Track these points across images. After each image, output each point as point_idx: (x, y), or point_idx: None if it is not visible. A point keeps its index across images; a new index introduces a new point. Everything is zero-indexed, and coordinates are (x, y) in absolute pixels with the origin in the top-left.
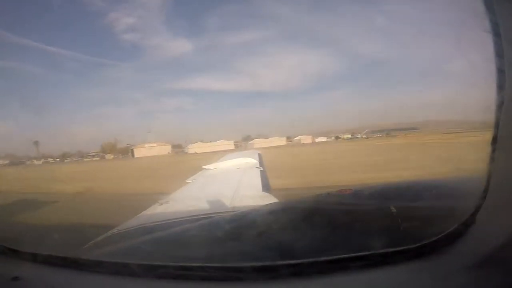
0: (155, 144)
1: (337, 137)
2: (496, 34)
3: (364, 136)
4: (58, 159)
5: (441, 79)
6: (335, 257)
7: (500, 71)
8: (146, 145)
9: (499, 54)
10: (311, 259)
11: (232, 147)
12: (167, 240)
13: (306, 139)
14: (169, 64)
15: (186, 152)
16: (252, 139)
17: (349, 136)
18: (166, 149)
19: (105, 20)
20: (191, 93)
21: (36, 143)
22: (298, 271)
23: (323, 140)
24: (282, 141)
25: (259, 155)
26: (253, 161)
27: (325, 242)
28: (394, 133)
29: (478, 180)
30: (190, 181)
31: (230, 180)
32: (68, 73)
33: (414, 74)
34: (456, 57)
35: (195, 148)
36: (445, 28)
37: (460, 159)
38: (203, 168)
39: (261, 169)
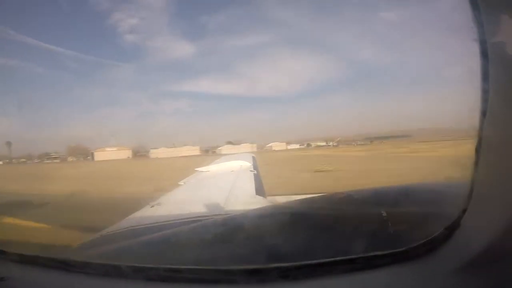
0: (115, 148)
1: (308, 145)
2: (483, 42)
3: (335, 144)
4: (23, 160)
5: (429, 87)
6: (323, 260)
7: (485, 78)
8: (107, 149)
9: (485, 61)
10: (300, 263)
11: (198, 152)
12: (157, 242)
13: (278, 146)
14: (164, 66)
15: (148, 157)
16: (220, 146)
17: (322, 143)
18: (127, 153)
19: (107, 20)
20: (184, 96)
21: (8, 143)
22: (287, 274)
23: (295, 147)
24: (252, 148)
25: (253, 158)
26: (247, 164)
27: (317, 245)
28: (378, 141)
29: (465, 185)
30: (182, 183)
31: (223, 183)
32: (63, 72)
33: (406, 81)
34: (446, 65)
35: (158, 153)
36: (434, 37)
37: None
38: (196, 170)
39: (255, 172)
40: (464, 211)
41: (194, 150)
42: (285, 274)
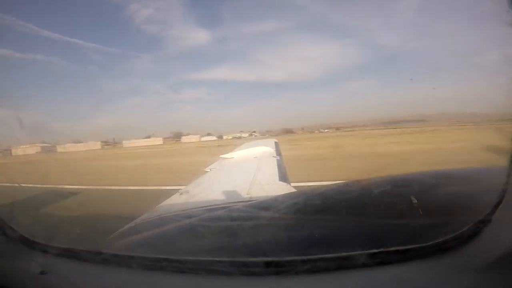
0: (28, 145)
1: (220, 137)
2: None
3: (252, 135)
4: None
5: (455, 74)
6: (344, 254)
7: None
8: (21, 146)
9: None
10: (317, 256)
11: (99, 147)
12: (183, 232)
13: (192, 139)
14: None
15: (55, 152)
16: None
17: (246, 135)
18: (36, 149)
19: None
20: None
21: None
22: (307, 267)
23: (208, 139)
24: (158, 141)
25: (276, 143)
26: (270, 149)
27: (341, 235)
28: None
29: (501, 173)
30: (209, 170)
31: (247, 169)
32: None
33: (429, 67)
34: (476, 51)
35: (65, 148)
36: (466, 22)
37: None
38: (221, 157)
39: (278, 158)
40: (497, 205)
41: (96, 145)
42: (305, 267)
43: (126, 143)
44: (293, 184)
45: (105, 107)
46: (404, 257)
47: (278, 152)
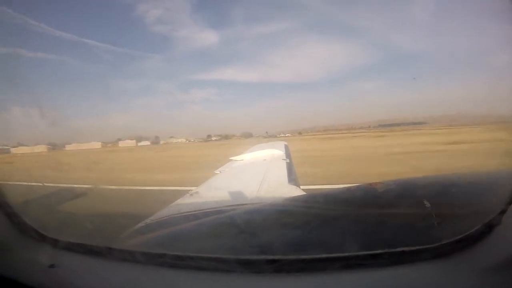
0: None
1: (156, 142)
2: None
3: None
4: None
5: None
6: (349, 253)
7: None
8: None
9: None
10: (321, 255)
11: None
12: (192, 231)
13: (128, 144)
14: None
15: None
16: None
17: (179, 140)
18: None
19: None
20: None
21: None
22: (308, 266)
23: (146, 144)
24: (97, 145)
25: (286, 146)
26: (280, 152)
27: (348, 237)
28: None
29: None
30: (218, 172)
31: (256, 172)
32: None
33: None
34: (480, 52)
35: (17, 150)
36: (472, 22)
37: None
38: (230, 160)
39: (287, 160)
40: (506, 207)
41: (41, 148)
42: (310, 266)
43: (68, 147)
44: (302, 187)
45: (112, 107)
46: (411, 258)
47: (288, 155)
